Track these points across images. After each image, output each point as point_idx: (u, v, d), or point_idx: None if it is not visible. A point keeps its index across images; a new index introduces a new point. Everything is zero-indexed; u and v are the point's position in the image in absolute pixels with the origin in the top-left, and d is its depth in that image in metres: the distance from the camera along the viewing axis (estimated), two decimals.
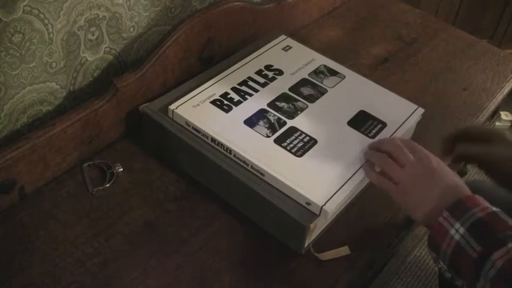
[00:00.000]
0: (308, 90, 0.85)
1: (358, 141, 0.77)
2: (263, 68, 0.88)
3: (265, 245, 0.73)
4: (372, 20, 1.19)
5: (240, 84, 0.84)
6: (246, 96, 0.82)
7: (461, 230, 0.57)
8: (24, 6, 0.68)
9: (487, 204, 0.59)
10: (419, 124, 0.87)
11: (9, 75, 0.72)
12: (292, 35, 1.01)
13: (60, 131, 0.75)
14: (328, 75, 0.89)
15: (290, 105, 0.82)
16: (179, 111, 0.78)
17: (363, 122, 0.81)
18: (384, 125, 0.81)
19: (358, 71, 0.93)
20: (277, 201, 0.69)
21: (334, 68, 0.91)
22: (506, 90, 1.05)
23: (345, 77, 0.89)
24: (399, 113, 0.84)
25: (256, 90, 0.84)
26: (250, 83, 0.85)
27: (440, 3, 1.82)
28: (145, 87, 0.84)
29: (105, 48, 0.85)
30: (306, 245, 0.71)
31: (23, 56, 0.72)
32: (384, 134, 0.79)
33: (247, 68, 0.88)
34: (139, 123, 0.83)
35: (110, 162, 0.81)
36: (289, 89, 0.85)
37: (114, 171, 0.79)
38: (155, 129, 0.81)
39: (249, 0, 0.97)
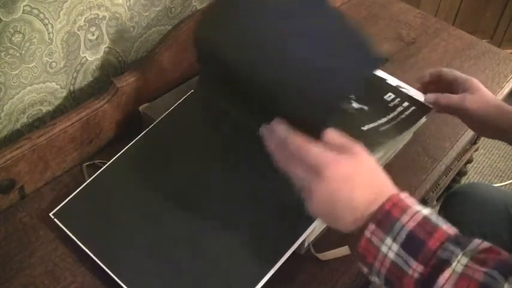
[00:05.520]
0: None
1: None
2: None
3: None
4: (372, 20, 1.19)
5: None
6: None
7: (395, 247, 0.51)
8: (24, 6, 0.68)
9: (415, 206, 0.53)
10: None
11: (9, 75, 0.72)
12: None
13: (60, 131, 0.75)
14: None
15: None
16: None
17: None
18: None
19: None
20: None
21: None
22: (506, 90, 1.05)
23: None
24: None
25: None
26: None
27: (440, 3, 1.82)
28: (145, 87, 0.84)
29: (105, 48, 0.85)
30: (306, 245, 0.71)
31: (23, 56, 0.72)
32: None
33: None
34: (139, 123, 0.83)
35: None
36: None
37: None
38: None
39: None
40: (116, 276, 0.65)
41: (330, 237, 0.74)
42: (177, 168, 0.72)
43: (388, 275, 0.52)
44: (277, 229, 0.67)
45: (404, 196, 0.54)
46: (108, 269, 0.65)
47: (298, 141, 0.55)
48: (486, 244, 0.50)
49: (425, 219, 0.51)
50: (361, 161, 0.55)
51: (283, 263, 0.65)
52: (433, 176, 0.86)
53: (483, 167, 1.83)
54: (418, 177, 0.85)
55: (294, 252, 0.66)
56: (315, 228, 0.69)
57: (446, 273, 0.48)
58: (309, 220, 0.66)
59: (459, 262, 0.49)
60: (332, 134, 0.57)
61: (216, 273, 0.64)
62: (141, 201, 0.71)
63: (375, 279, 0.54)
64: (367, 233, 0.52)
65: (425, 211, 0.52)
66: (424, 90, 0.84)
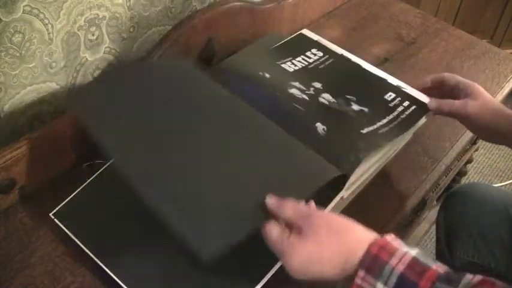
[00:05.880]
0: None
1: None
2: None
3: None
4: (372, 20, 1.19)
5: None
6: None
7: None
8: (24, 6, 0.68)
9: (402, 247, 0.53)
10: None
11: (9, 75, 0.72)
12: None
13: (60, 131, 0.75)
14: None
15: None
16: None
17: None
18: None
19: None
20: None
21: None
22: (506, 90, 1.05)
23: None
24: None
25: None
26: None
27: (440, 3, 1.82)
28: None
29: (105, 48, 0.85)
30: None
31: (23, 56, 0.72)
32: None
33: None
34: None
35: None
36: None
37: None
38: None
39: (249, 0, 0.97)
40: (116, 276, 0.65)
41: None
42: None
43: None
44: None
45: (391, 238, 0.54)
46: (108, 269, 0.65)
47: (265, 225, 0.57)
48: (478, 277, 0.50)
49: (415, 260, 0.52)
50: (320, 234, 0.55)
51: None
52: (433, 176, 0.86)
53: (483, 167, 1.83)
54: (418, 177, 0.85)
55: None
56: None
57: None
58: None
59: None
60: (287, 213, 0.57)
61: (217, 274, 0.64)
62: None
63: None
64: (358, 280, 0.52)
65: (413, 252, 0.53)
66: (425, 94, 0.84)
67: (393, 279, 0.51)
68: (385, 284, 0.51)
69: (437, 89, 0.82)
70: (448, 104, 0.78)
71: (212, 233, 0.57)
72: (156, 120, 0.67)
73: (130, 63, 0.73)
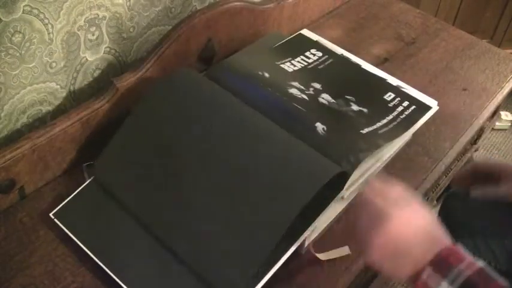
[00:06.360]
0: None
1: None
2: None
3: None
4: (372, 20, 1.19)
5: None
6: None
7: None
8: (24, 6, 0.68)
9: (470, 258, 0.55)
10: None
11: (9, 75, 0.72)
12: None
13: (60, 131, 0.75)
14: None
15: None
16: None
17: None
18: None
19: None
20: None
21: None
22: (506, 90, 1.05)
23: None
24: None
25: None
26: None
27: (440, 3, 1.82)
28: (145, 87, 0.84)
29: (105, 48, 0.85)
30: (306, 245, 0.71)
31: (23, 56, 0.72)
32: None
33: None
34: None
35: None
36: None
37: None
38: None
39: (249, 0, 0.97)
40: (116, 276, 0.65)
41: (330, 237, 0.74)
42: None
43: None
44: None
45: (460, 248, 0.56)
46: (108, 269, 0.65)
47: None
48: None
49: (483, 271, 0.53)
50: (419, 211, 0.59)
51: (283, 263, 0.65)
52: (433, 176, 0.86)
53: None
54: (418, 177, 0.85)
55: (294, 252, 0.66)
56: (315, 228, 0.69)
57: None
58: (309, 220, 0.66)
59: None
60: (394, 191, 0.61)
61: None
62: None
63: None
64: (424, 275, 0.54)
65: (481, 263, 0.54)
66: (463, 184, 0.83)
67: (459, 281, 0.52)
68: (451, 283, 0.52)
69: (473, 177, 0.81)
70: (493, 192, 0.77)
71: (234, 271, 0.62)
72: (170, 169, 0.71)
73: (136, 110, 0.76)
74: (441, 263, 0.54)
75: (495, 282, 0.52)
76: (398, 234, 0.56)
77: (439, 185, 1.13)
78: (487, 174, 0.79)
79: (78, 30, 0.78)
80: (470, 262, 0.54)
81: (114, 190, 0.72)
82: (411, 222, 0.57)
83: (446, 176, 1.14)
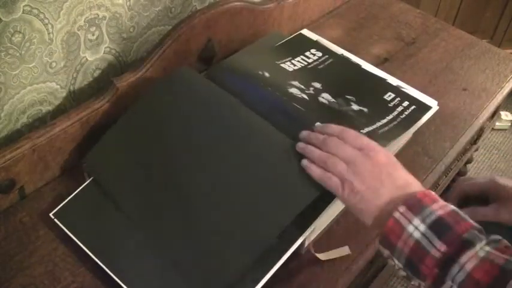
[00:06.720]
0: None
1: None
2: None
3: None
4: (371, 20, 1.19)
5: None
6: None
7: (422, 228, 0.53)
8: (24, 6, 0.68)
9: (443, 201, 0.56)
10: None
11: (9, 75, 0.72)
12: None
13: (60, 131, 0.75)
14: None
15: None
16: None
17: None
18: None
19: None
20: None
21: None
22: (506, 90, 1.05)
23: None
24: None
25: None
26: None
27: (440, 3, 1.82)
28: (145, 87, 0.84)
29: (105, 48, 0.85)
30: (306, 245, 0.71)
31: (23, 56, 0.72)
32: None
33: None
34: None
35: None
36: None
37: None
38: None
39: (249, 0, 0.97)
40: (116, 276, 0.65)
41: (330, 237, 0.74)
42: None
43: (411, 254, 0.54)
44: None
45: (434, 193, 0.58)
46: (108, 269, 0.65)
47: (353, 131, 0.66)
48: (507, 242, 0.54)
49: (455, 211, 0.55)
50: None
51: (283, 263, 0.65)
52: (433, 176, 0.86)
53: (483, 167, 1.83)
54: (418, 177, 0.84)
55: (294, 252, 0.66)
56: (315, 228, 0.69)
57: (470, 253, 0.51)
58: (309, 220, 0.66)
59: (482, 248, 0.51)
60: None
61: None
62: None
63: (394, 262, 0.57)
64: (396, 214, 0.55)
65: (454, 207, 0.56)
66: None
67: (431, 218, 0.54)
68: (423, 221, 0.54)
69: (464, 198, 0.80)
70: (481, 214, 0.75)
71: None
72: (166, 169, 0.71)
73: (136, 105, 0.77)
74: (415, 203, 0.55)
75: (467, 221, 0.54)
76: (381, 162, 0.62)
77: (439, 185, 1.13)
78: (475, 196, 0.78)
79: (78, 30, 0.78)
80: (444, 204, 0.56)
81: (103, 182, 0.72)
82: (395, 162, 0.63)
83: (446, 176, 1.14)
